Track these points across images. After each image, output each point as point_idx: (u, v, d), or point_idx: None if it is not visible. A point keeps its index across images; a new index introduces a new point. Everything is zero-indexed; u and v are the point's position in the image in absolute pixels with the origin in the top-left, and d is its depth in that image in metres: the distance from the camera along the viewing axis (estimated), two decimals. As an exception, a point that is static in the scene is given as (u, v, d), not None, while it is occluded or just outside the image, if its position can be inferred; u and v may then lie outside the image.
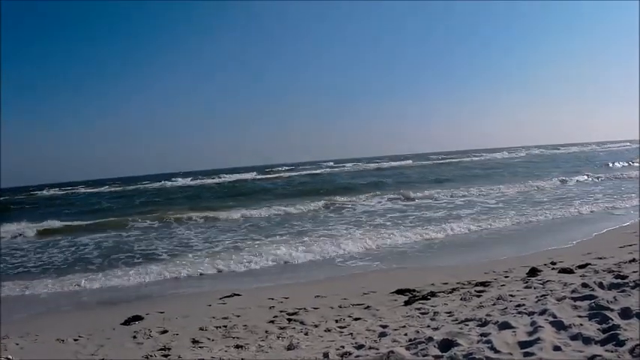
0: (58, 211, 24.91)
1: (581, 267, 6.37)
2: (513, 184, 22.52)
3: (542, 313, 4.16)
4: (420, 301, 5.62)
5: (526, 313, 4.27)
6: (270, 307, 6.26)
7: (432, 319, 4.65)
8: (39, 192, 50.03)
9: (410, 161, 59.53)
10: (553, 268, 6.60)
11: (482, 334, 3.75)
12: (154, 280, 9.12)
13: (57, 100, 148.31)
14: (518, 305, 4.58)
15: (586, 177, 24.32)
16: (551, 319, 3.93)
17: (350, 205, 18.81)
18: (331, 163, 67.81)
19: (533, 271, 6.43)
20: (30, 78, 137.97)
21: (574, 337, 3.47)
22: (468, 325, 4.16)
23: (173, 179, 50.96)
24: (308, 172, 49.79)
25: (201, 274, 9.27)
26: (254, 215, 17.48)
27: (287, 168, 61.73)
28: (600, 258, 6.97)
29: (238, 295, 7.25)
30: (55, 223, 18.50)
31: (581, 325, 3.68)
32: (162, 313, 6.53)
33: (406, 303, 5.67)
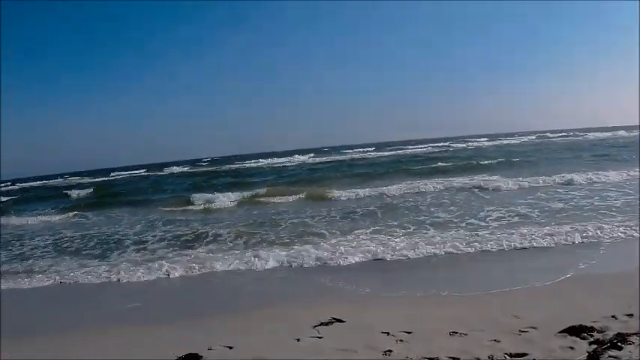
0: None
1: None
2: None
3: None
4: (610, 353, 3.88)
5: None
6: (385, 354, 4.38)
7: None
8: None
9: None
10: None
11: None
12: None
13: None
14: None
15: None
16: None
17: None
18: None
19: None
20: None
21: None
22: None
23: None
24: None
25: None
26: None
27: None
28: None
29: (341, 321, 5.48)
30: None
31: None
32: (230, 348, 4.98)
33: (590, 357, 3.91)
